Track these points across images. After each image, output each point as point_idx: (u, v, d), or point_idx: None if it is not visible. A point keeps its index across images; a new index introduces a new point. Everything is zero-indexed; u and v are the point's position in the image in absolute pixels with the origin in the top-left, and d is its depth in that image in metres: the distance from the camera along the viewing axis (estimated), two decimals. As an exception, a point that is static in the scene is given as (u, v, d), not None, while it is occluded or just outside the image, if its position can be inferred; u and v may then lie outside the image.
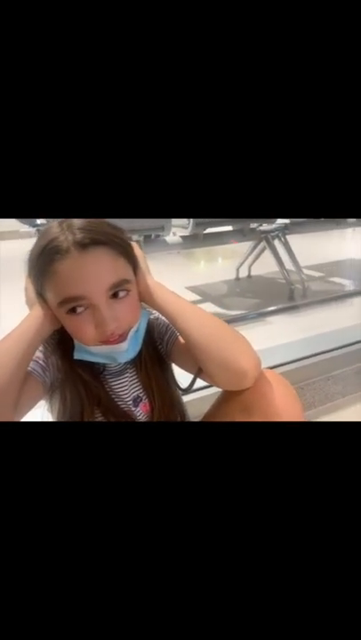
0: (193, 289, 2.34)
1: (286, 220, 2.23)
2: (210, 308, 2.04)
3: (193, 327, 0.51)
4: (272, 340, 1.43)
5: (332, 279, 2.45)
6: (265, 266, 2.36)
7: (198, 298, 2.19)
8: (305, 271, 2.29)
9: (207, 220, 1.80)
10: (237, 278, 2.52)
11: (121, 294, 0.47)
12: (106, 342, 0.49)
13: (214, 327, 0.52)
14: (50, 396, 0.55)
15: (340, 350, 1.33)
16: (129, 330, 0.50)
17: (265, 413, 0.52)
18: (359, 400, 1.28)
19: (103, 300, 0.46)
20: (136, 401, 0.59)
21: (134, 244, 0.53)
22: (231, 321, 1.77)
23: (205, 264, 3.29)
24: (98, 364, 0.55)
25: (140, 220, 1.74)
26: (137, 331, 0.52)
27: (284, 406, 0.53)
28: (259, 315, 1.86)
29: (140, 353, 0.56)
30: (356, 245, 3.43)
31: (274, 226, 2.09)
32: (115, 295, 0.47)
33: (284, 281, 2.10)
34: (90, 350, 0.50)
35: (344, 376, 1.27)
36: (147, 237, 2.05)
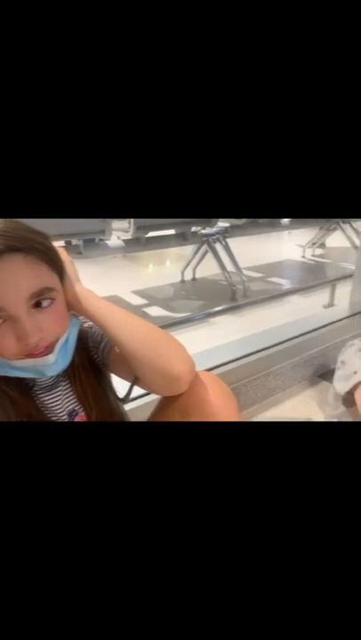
0: (139, 292, 2.33)
1: (226, 224, 2.32)
2: (156, 311, 2.04)
3: (125, 335, 0.50)
4: (216, 340, 1.47)
5: (270, 279, 2.60)
6: (209, 268, 2.42)
7: (145, 301, 2.18)
8: (246, 272, 2.39)
9: (149, 223, 1.80)
10: (182, 281, 2.56)
11: (44, 303, 0.45)
12: (30, 355, 0.45)
13: (147, 333, 0.51)
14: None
15: (278, 346, 1.41)
16: (56, 341, 0.47)
17: (203, 415, 0.52)
18: (297, 393, 1.36)
19: (23, 310, 0.43)
20: (72, 415, 0.56)
21: (61, 250, 0.50)
22: (177, 323, 1.79)
23: (151, 267, 3.28)
24: (26, 378, 0.51)
25: (79, 224, 1.68)
26: (66, 341, 0.50)
27: (221, 406, 0.54)
28: (204, 316, 1.90)
29: (72, 364, 0.53)
30: (291, 247, 3.67)
31: (214, 229, 2.15)
32: (37, 304, 0.44)
33: (226, 282, 2.18)
34: (14, 365, 0.47)
35: (283, 371, 1.35)
36: (88, 241, 1.99)
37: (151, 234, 1.86)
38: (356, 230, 3.33)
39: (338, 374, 0.58)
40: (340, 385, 0.55)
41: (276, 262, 3.12)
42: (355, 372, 0.53)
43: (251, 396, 1.27)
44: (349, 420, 0.56)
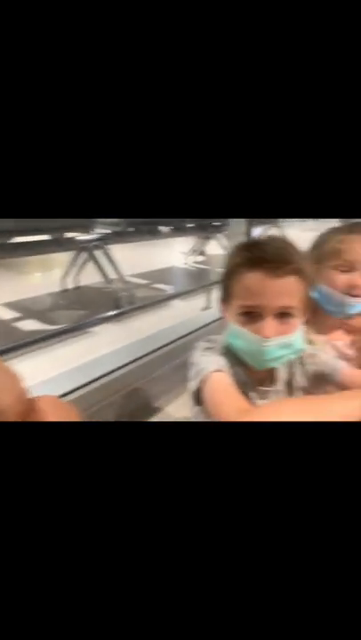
0: (12, 305, 2.07)
1: (107, 230, 2.27)
2: (32, 325, 1.84)
3: None
4: (99, 350, 1.40)
5: (155, 285, 2.65)
6: (94, 275, 2.32)
7: (17, 315, 1.95)
8: (132, 279, 2.39)
9: (15, 228, 1.62)
10: (65, 290, 2.39)
11: None
12: None
13: None
14: None
15: (160, 350, 1.42)
16: None
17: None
18: (180, 395, 1.39)
19: None
20: None
21: None
22: (55, 335, 1.64)
23: (34, 275, 2.99)
24: None
25: None
26: None
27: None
28: (86, 325, 1.80)
29: None
30: (175, 254, 3.85)
31: (92, 236, 2.08)
32: None
33: (111, 290, 2.12)
34: None
35: (166, 375, 1.36)
36: None
37: (16, 239, 1.67)
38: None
39: (189, 375, 0.59)
40: (191, 384, 0.56)
41: (160, 269, 3.21)
42: (201, 369, 0.54)
43: (136, 404, 1.24)
44: (203, 417, 0.57)
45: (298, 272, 0.56)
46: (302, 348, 0.61)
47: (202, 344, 0.62)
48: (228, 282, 0.60)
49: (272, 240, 0.59)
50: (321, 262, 0.77)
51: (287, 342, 0.58)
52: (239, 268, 0.57)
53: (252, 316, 0.56)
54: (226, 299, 0.61)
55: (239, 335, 0.58)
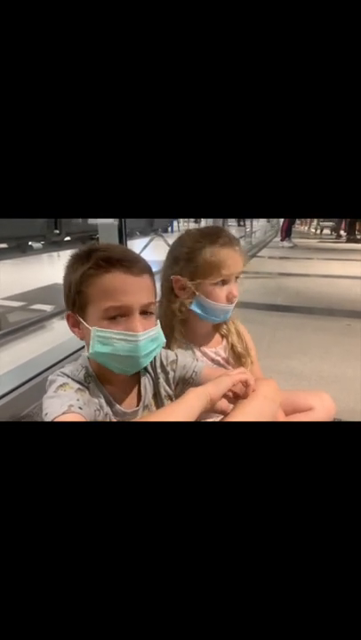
0: None
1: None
2: None
3: None
4: None
5: (33, 307, 2.45)
6: None
7: None
8: (3, 302, 2.15)
9: None
10: None
11: None
12: None
13: None
14: None
15: (39, 377, 1.32)
16: None
17: None
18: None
19: None
20: None
21: None
22: None
23: None
24: None
25: None
26: None
27: None
28: None
29: None
30: (58, 270, 3.61)
31: None
32: None
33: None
34: None
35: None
36: None
37: None
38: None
39: None
40: None
41: (40, 288, 2.98)
42: (46, 415, 0.52)
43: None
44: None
45: (149, 270, 0.60)
46: (164, 340, 0.64)
47: (56, 382, 0.58)
48: (80, 289, 0.58)
49: (110, 244, 0.61)
50: (199, 277, 0.80)
51: (155, 335, 0.61)
52: (94, 271, 0.56)
53: (117, 317, 0.57)
54: (80, 309, 0.59)
55: (108, 340, 0.57)
